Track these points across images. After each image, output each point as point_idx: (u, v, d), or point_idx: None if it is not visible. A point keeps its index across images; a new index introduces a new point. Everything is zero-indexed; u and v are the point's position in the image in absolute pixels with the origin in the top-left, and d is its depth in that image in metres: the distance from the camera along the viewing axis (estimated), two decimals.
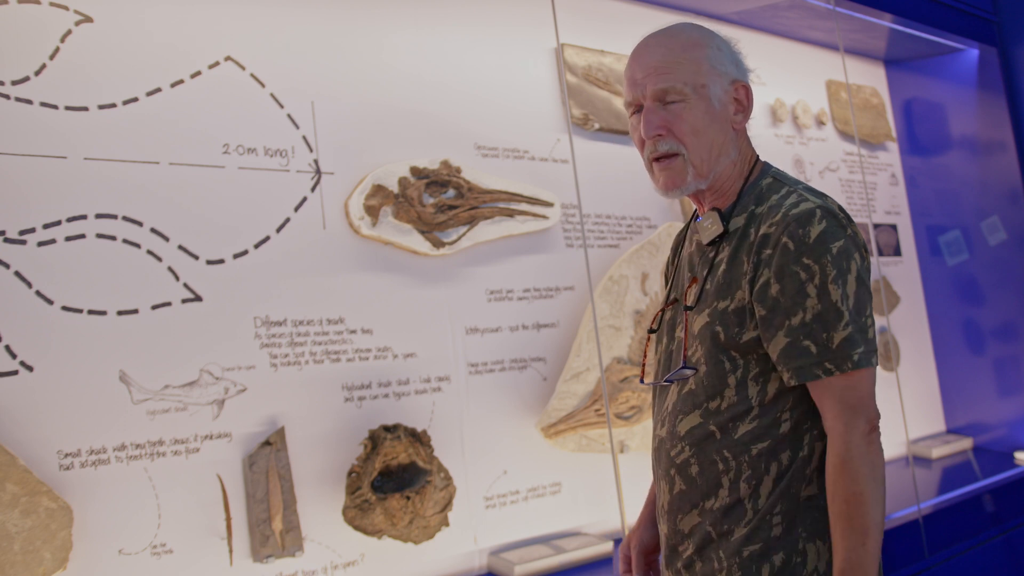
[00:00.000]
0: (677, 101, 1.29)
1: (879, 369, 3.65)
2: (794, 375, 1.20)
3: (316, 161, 2.21)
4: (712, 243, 1.32)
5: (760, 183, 1.32)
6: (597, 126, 2.77)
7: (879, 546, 1.16)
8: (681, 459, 1.31)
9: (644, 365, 1.46)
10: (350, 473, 2.06)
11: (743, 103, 1.32)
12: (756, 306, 1.23)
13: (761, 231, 1.24)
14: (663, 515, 1.36)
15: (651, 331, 1.45)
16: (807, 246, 1.18)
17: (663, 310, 1.43)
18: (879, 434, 1.19)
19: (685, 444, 1.30)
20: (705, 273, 1.32)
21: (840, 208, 1.24)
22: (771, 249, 1.21)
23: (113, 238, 1.87)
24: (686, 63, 1.29)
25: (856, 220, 3.71)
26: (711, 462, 1.27)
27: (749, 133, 1.39)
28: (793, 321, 1.18)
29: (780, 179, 1.32)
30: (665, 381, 1.35)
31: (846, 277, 1.16)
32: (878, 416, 1.19)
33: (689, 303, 1.34)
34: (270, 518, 1.94)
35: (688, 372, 1.30)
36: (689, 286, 1.36)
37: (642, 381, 1.47)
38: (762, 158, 1.41)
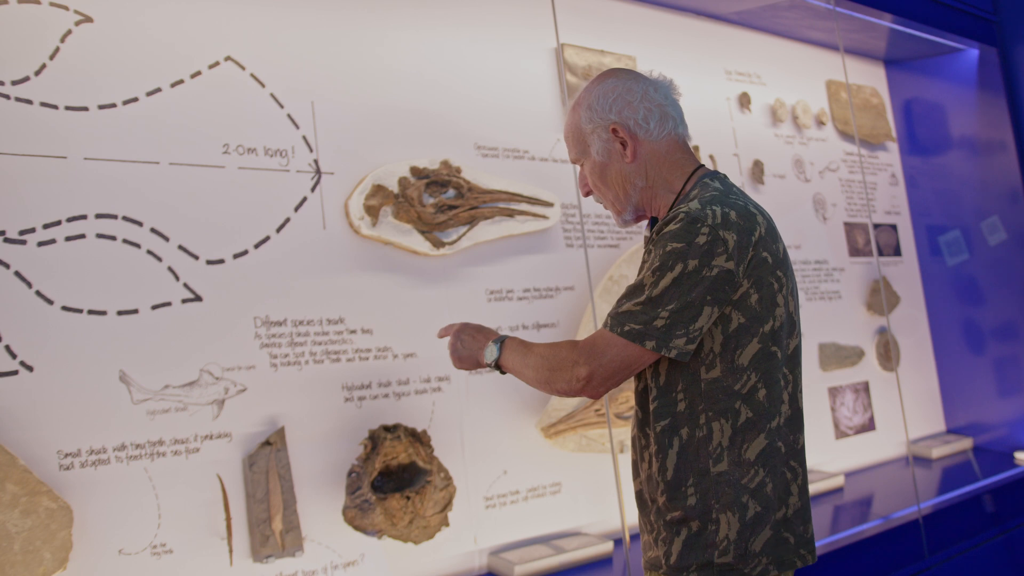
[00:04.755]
0: (580, 164, 1.58)
1: (879, 368, 3.65)
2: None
3: (316, 161, 2.21)
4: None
5: (690, 193, 1.47)
6: None
7: (508, 371, 1.53)
8: (632, 434, 1.53)
9: None
10: (350, 473, 2.06)
11: (625, 138, 1.50)
12: None
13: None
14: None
15: None
16: (661, 238, 1.37)
17: None
18: (587, 386, 1.37)
19: (632, 421, 1.53)
20: None
21: (721, 216, 1.34)
22: None
23: (113, 238, 1.87)
24: (571, 133, 1.56)
25: (856, 220, 3.72)
26: (638, 437, 1.50)
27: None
28: (630, 286, 1.40)
29: (703, 187, 1.45)
30: None
31: (665, 272, 1.33)
32: (603, 382, 1.37)
33: None
34: (270, 518, 1.94)
35: None
36: None
37: None
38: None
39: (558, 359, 1.41)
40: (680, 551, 1.38)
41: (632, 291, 1.37)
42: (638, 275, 1.42)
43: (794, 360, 1.44)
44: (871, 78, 4.10)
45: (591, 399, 1.42)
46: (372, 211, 2.23)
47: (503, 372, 1.55)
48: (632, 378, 1.51)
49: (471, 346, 1.59)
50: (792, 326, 1.44)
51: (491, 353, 1.54)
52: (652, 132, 1.50)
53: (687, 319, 1.33)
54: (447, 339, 1.72)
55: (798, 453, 1.43)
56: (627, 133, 1.49)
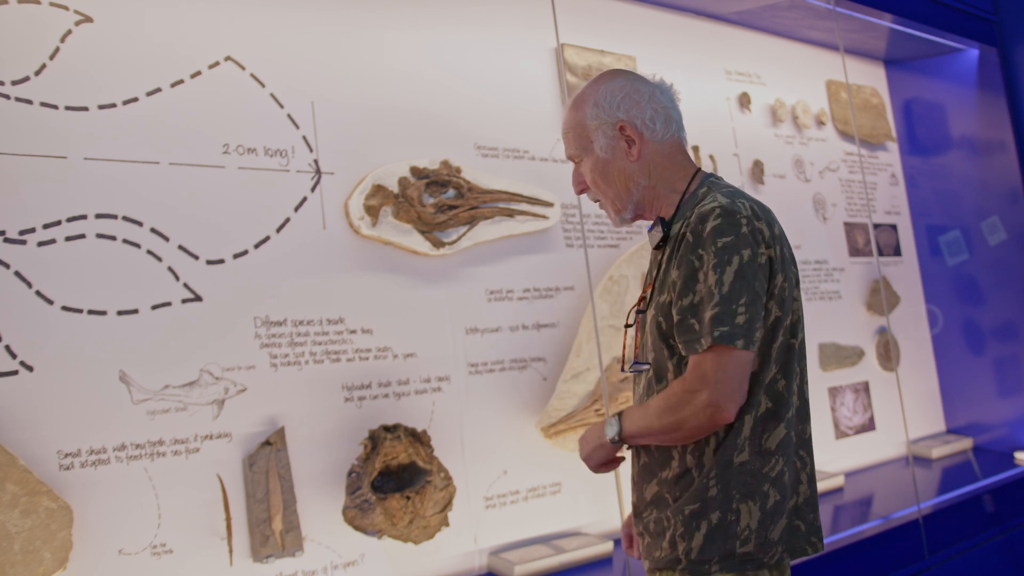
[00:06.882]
0: (578, 161, 1.57)
1: (879, 368, 3.65)
2: (684, 347, 1.37)
3: (316, 161, 2.21)
4: (658, 247, 1.51)
5: (698, 192, 1.49)
6: None
7: (634, 439, 1.46)
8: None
9: (623, 355, 1.63)
10: (350, 473, 2.06)
11: (632, 136, 1.50)
12: (667, 294, 1.42)
13: (681, 231, 1.43)
14: (632, 485, 1.54)
15: (627, 326, 1.64)
16: (701, 239, 1.36)
17: (636, 307, 1.60)
18: (717, 411, 1.32)
19: None
20: (654, 274, 1.51)
21: (751, 208, 1.37)
22: (680, 244, 1.41)
23: (113, 238, 1.87)
24: (572, 129, 1.55)
25: (856, 220, 3.72)
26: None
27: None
28: (684, 302, 1.37)
29: (712, 187, 1.47)
30: (630, 370, 1.55)
31: (725, 268, 1.33)
32: (729, 398, 1.32)
33: (641, 307, 1.54)
34: (270, 518, 1.94)
35: (642, 367, 1.50)
36: (646, 289, 1.55)
37: (622, 369, 1.63)
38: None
39: (675, 398, 1.37)
40: (702, 544, 1.38)
41: (704, 306, 1.33)
42: (666, 280, 1.41)
43: (801, 353, 1.47)
44: (871, 78, 4.10)
45: (722, 423, 1.34)
46: (372, 211, 2.23)
47: (631, 445, 1.51)
48: (646, 378, 1.50)
49: (594, 434, 1.56)
50: (799, 320, 1.47)
51: (612, 427, 1.50)
52: (658, 133, 1.52)
53: (758, 310, 1.34)
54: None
55: (806, 443, 1.46)
56: (634, 131, 1.51)
